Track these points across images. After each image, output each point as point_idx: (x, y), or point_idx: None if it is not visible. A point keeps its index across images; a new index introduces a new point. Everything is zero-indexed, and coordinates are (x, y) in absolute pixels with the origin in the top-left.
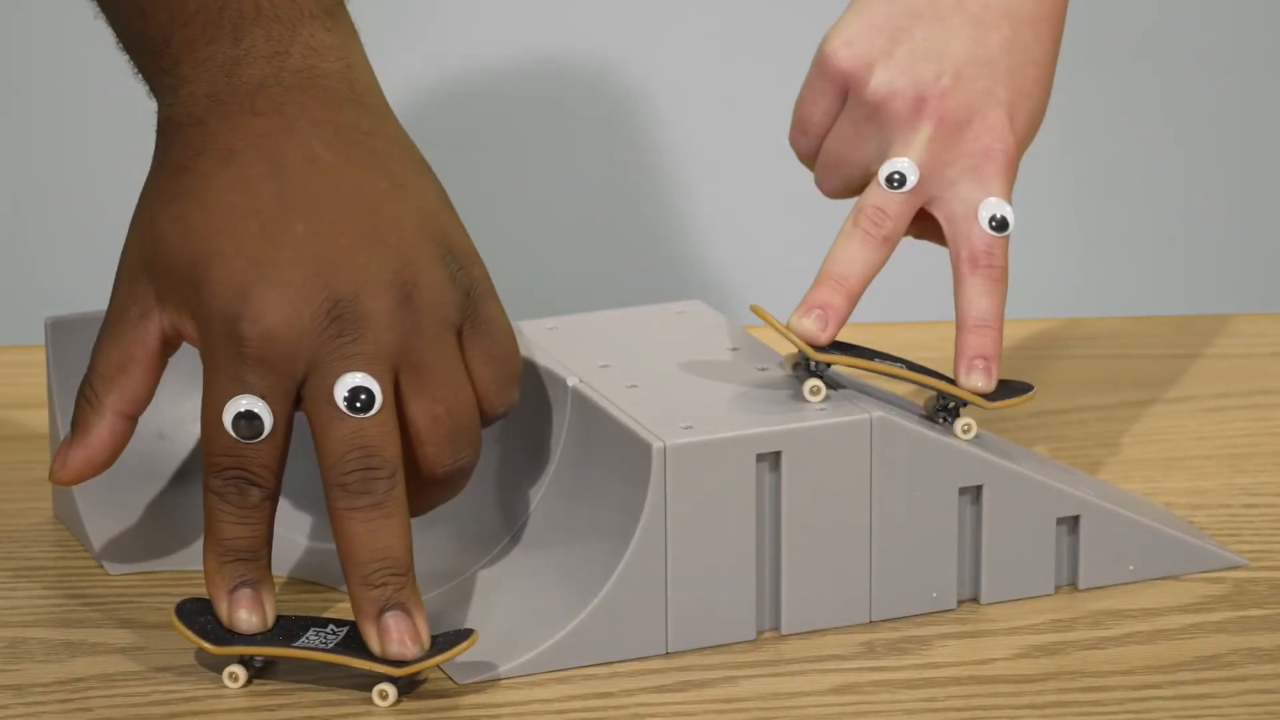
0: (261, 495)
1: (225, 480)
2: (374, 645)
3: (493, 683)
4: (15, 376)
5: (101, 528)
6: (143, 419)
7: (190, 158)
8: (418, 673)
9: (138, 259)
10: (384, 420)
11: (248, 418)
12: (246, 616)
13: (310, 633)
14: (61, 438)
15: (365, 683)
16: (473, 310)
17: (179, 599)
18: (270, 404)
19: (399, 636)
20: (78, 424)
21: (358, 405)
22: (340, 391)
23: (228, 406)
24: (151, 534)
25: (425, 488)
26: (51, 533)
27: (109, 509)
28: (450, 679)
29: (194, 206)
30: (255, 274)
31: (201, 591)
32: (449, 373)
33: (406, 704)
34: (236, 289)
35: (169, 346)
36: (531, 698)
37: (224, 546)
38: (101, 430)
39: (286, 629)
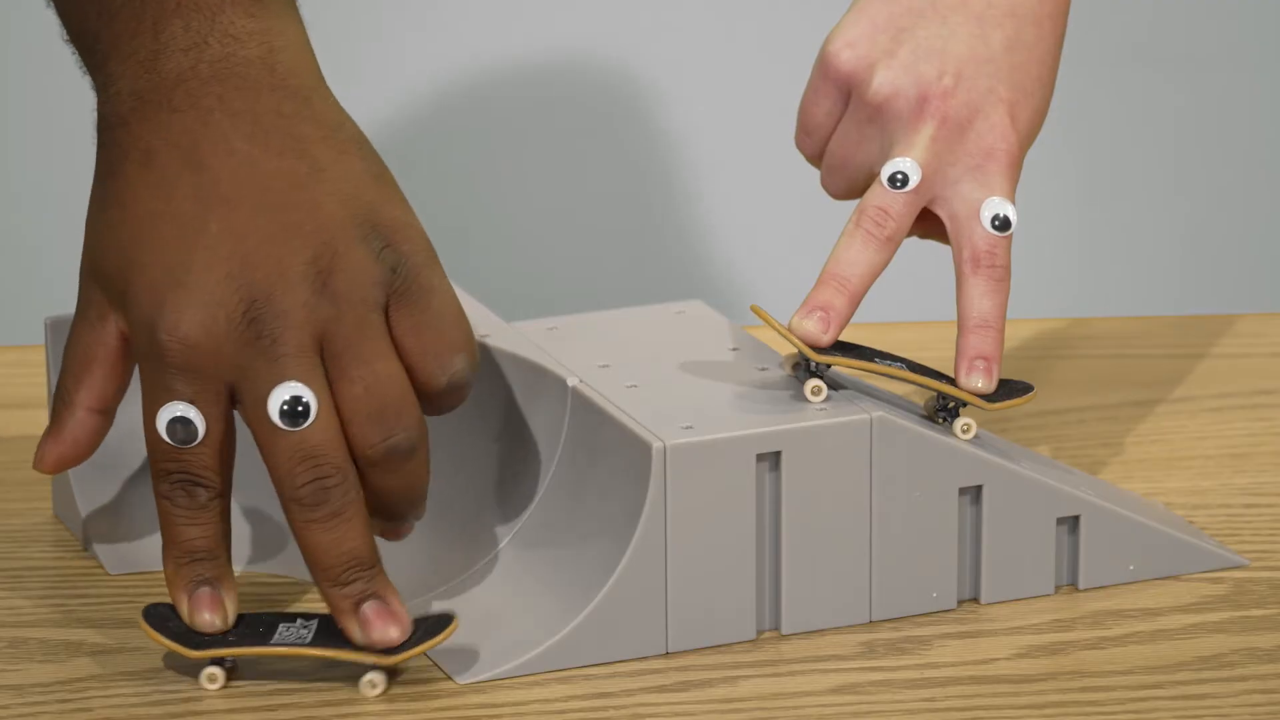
0: (209, 495)
1: (172, 484)
2: (356, 637)
3: (493, 683)
4: (15, 376)
5: (101, 528)
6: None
7: (118, 161)
8: (406, 660)
9: (88, 264)
10: (324, 424)
11: (181, 423)
12: (208, 617)
13: (281, 629)
14: None
15: (348, 675)
16: (401, 285)
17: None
18: (200, 408)
19: (380, 623)
20: (53, 418)
21: (295, 417)
22: (274, 406)
23: (160, 414)
24: (151, 534)
25: (365, 474)
26: (51, 533)
27: (109, 509)
28: (450, 679)
29: (119, 214)
30: (171, 281)
31: None
32: (368, 351)
33: (407, 704)
34: (155, 298)
35: (130, 344)
36: (531, 698)
37: (180, 549)
38: (73, 426)
39: (258, 627)
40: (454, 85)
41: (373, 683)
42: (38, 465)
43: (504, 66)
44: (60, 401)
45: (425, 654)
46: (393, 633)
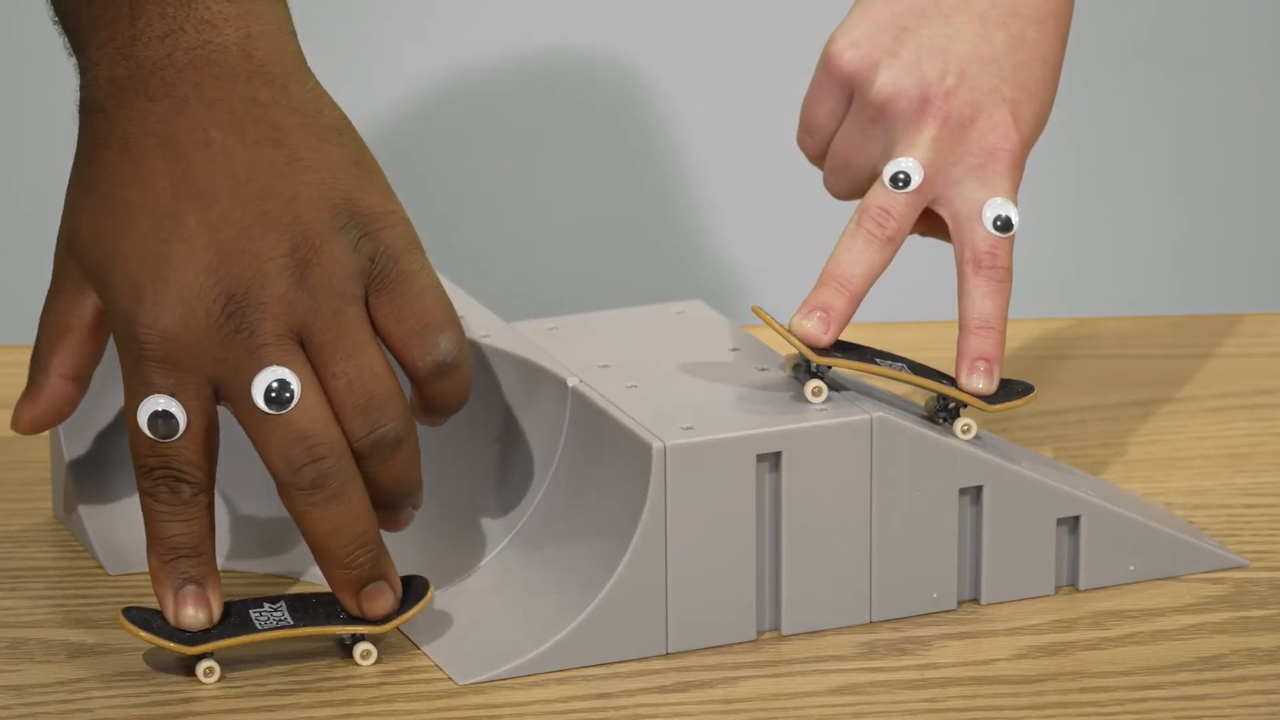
0: (193, 491)
1: (155, 480)
2: (352, 609)
3: (493, 683)
4: (15, 376)
5: (101, 528)
6: None
7: (95, 148)
8: (395, 627)
9: (66, 243)
10: (311, 405)
11: (163, 417)
12: (194, 613)
13: (255, 614)
14: (62, 438)
15: (322, 650)
16: (379, 274)
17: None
18: (181, 402)
19: (381, 599)
20: (29, 382)
21: (281, 401)
22: (259, 393)
23: (141, 407)
24: None
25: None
26: (51, 533)
27: (109, 509)
28: (450, 679)
29: (97, 202)
30: (149, 274)
31: None
32: (349, 344)
33: (407, 704)
34: (133, 290)
35: (104, 319)
36: (531, 698)
37: (165, 545)
38: (47, 391)
39: (233, 616)
40: (454, 85)
41: (367, 653)
42: (14, 426)
43: (504, 66)
44: (36, 367)
45: (425, 654)
46: (389, 607)
